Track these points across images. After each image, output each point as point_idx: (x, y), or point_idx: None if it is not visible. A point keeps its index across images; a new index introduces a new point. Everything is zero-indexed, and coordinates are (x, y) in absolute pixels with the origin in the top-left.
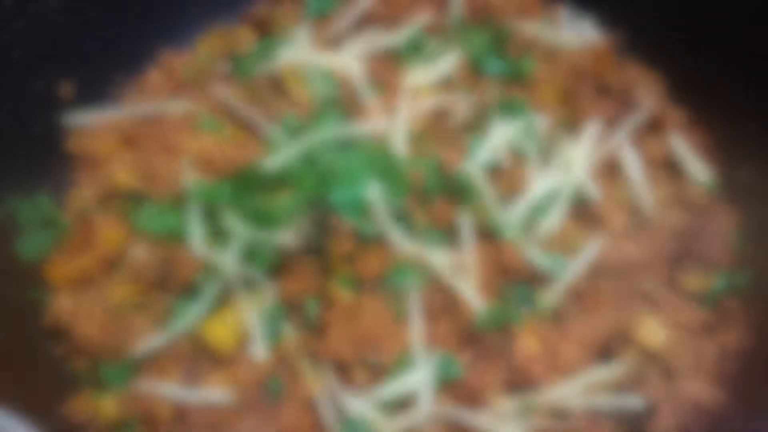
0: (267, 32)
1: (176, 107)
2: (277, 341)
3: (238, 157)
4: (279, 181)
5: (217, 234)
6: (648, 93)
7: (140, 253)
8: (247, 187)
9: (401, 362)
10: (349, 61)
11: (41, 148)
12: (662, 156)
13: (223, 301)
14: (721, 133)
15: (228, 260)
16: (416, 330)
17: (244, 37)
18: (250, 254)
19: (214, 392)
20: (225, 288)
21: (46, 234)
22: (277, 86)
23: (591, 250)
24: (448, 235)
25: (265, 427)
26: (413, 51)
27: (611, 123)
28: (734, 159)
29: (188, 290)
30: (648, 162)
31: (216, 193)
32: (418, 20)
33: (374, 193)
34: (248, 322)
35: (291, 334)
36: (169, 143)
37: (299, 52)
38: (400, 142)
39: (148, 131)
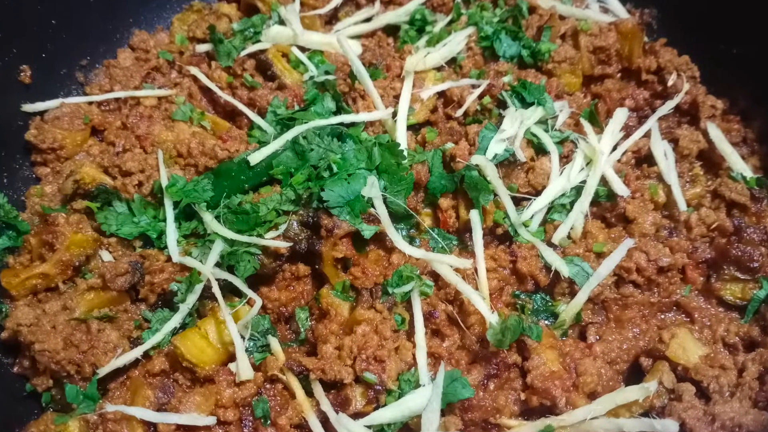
0: (254, 10)
1: (150, 94)
2: (263, 357)
3: (223, 151)
4: (265, 176)
5: (196, 236)
6: (681, 78)
7: (109, 259)
8: (229, 183)
9: (403, 381)
10: (344, 41)
11: None
12: (698, 149)
13: (202, 312)
14: (764, 124)
15: (208, 267)
16: (420, 344)
17: (226, 14)
18: (232, 259)
19: (192, 416)
20: (203, 297)
21: (2, 238)
22: (264, 70)
23: (617, 254)
24: (456, 237)
25: None
26: (416, 31)
27: (640, 111)
28: None
29: (163, 300)
30: (682, 156)
31: (195, 190)
32: None
33: (372, 189)
34: (230, 336)
35: (279, 350)
36: (141, 134)
37: (288, 32)
38: (401, 133)
39: (117, 121)
